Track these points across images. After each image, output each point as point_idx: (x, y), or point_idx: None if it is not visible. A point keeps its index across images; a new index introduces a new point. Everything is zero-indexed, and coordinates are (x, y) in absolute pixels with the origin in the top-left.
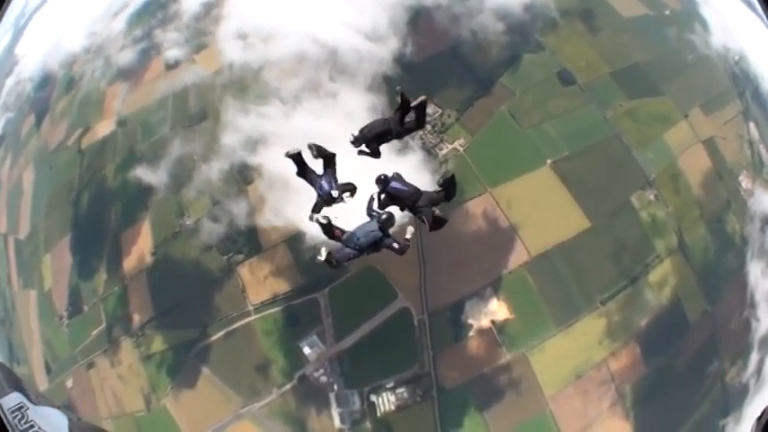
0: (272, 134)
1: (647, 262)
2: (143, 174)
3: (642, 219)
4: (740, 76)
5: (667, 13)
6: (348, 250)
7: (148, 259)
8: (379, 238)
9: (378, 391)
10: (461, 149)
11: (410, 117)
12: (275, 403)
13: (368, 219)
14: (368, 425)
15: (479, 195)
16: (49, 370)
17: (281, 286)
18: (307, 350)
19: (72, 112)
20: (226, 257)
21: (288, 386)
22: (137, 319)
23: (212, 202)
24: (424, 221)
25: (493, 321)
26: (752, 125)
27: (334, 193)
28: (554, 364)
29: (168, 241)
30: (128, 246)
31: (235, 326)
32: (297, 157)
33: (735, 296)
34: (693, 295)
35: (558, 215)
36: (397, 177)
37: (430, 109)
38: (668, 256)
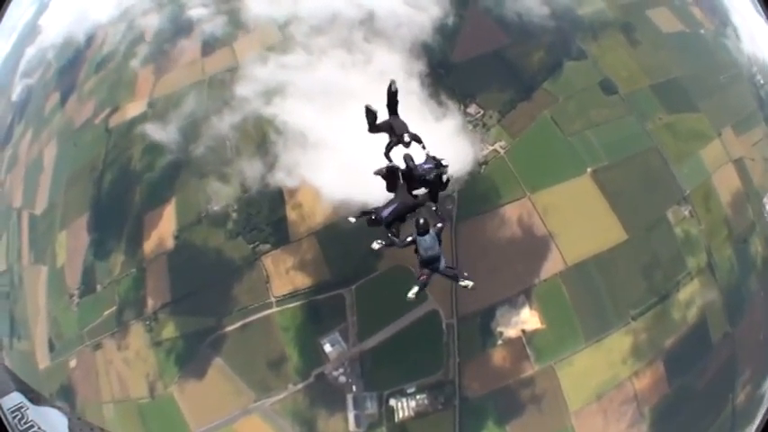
0: (292, 84)
1: (678, 279)
2: (152, 130)
3: (677, 234)
4: (765, 100)
5: (702, 32)
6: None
7: (170, 243)
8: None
9: (398, 395)
10: (502, 151)
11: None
12: (288, 400)
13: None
14: (383, 430)
15: (518, 200)
16: (52, 348)
17: (307, 280)
18: (327, 348)
19: (101, 90)
20: (251, 246)
21: (304, 384)
22: (151, 303)
23: (243, 190)
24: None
25: (523, 331)
26: None
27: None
28: (581, 379)
29: (193, 226)
30: (150, 228)
31: (254, 317)
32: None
33: (753, 319)
34: (718, 316)
35: (597, 225)
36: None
37: (472, 109)
38: (698, 275)
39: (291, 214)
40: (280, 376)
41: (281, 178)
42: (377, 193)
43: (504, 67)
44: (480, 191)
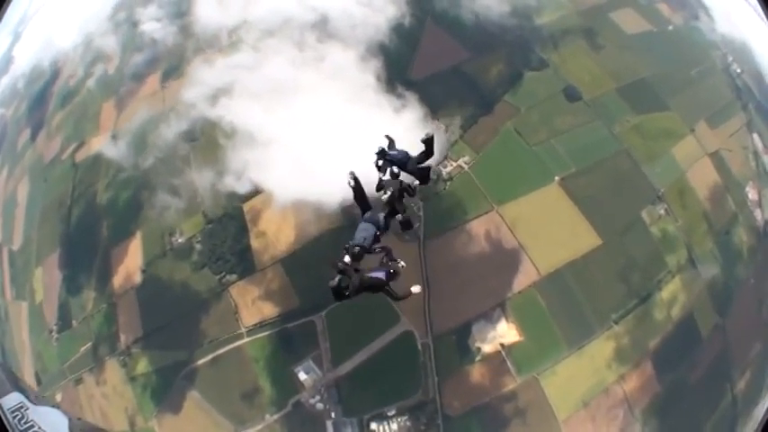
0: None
1: (659, 278)
2: (105, 149)
3: (653, 234)
4: (743, 89)
5: (671, 28)
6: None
7: (138, 277)
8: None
9: (378, 419)
10: (466, 167)
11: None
12: (268, 430)
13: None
14: None
15: (485, 213)
16: (39, 381)
17: (276, 308)
18: (302, 376)
19: (68, 125)
20: (218, 277)
21: (281, 413)
22: (123, 338)
23: (206, 221)
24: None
25: (502, 344)
26: (755, 136)
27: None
28: (567, 387)
29: (159, 259)
30: (117, 262)
31: (226, 348)
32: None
33: (744, 307)
34: (705, 309)
35: (568, 233)
36: (391, 144)
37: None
38: (679, 272)
39: (255, 243)
40: (256, 407)
41: (230, 183)
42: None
43: (463, 82)
44: (446, 207)
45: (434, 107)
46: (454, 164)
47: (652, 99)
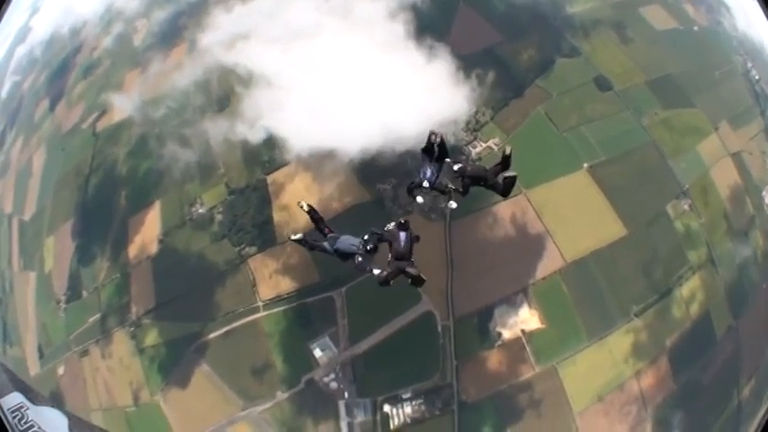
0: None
1: (680, 274)
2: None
3: (677, 229)
4: (761, 95)
5: (696, 28)
6: (326, 244)
7: (155, 247)
8: (352, 252)
9: (393, 401)
10: (496, 148)
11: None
12: (278, 408)
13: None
14: None
15: (513, 196)
16: (41, 354)
17: (295, 283)
18: (318, 353)
19: (90, 95)
20: (237, 249)
21: (293, 390)
22: (135, 308)
23: (228, 192)
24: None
25: (523, 331)
26: None
27: (426, 184)
28: (584, 379)
29: (178, 229)
30: (134, 232)
31: (241, 322)
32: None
33: (757, 312)
34: (721, 309)
35: (595, 221)
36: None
37: None
38: (699, 269)
39: (277, 215)
40: (268, 383)
41: (242, 132)
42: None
43: (495, 65)
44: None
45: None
46: (484, 145)
47: (679, 95)
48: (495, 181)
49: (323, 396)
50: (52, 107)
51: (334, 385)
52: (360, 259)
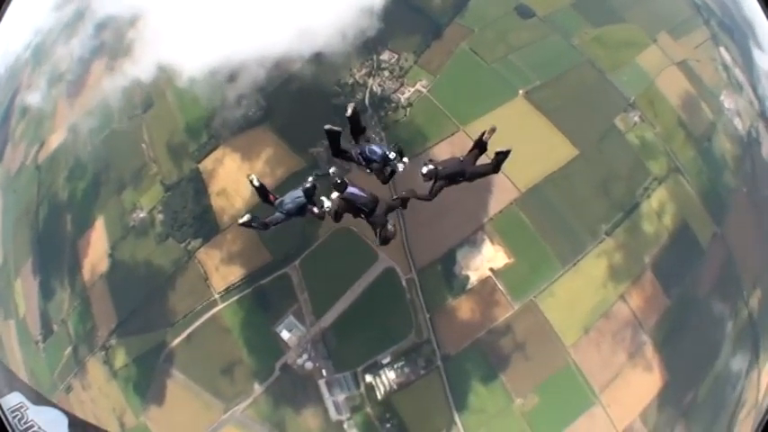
0: None
1: (645, 185)
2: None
3: (631, 142)
4: (702, 6)
5: None
6: (277, 214)
7: (105, 263)
8: (303, 204)
9: (373, 369)
10: (425, 90)
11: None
12: (259, 402)
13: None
14: (368, 410)
15: (452, 135)
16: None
17: (247, 266)
18: (285, 334)
19: (29, 132)
20: (183, 245)
21: (270, 380)
22: (100, 331)
23: (164, 189)
24: (376, 234)
25: (491, 269)
26: (722, 50)
27: (392, 155)
28: (568, 309)
29: (122, 240)
30: (84, 253)
31: (202, 320)
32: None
33: (742, 217)
34: (699, 217)
35: (542, 146)
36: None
37: (385, 56)
38: (666, 178)
39: (216, 201)
40: (243, 378)
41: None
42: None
43: (411, 10)
44: (410, 134)
45: (384, 37)
46: (411, 89)
47: (608, 12)
48: (476, 170)
49: (301, 379)
50: (1, 156)
51: (309, 365)
52: (315, 209)
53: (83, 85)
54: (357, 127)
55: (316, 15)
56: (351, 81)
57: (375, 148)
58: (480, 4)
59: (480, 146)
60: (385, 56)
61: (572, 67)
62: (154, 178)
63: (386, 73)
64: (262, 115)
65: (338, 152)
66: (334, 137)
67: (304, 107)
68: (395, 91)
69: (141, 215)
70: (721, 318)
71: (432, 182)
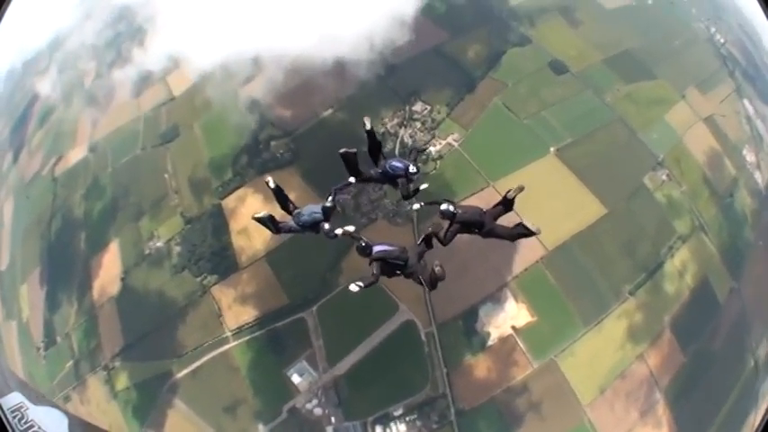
0: None
1: (670, 244)
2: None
3: (658, 200)
4: (728, 57)
5: (650, 2)
6: (291, 223)
7: (117, 286)
8: (318, 220)
9: (384, 420)
10: (456, 144)
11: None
12: None
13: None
14: None
15: (481, 190)
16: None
17: (263, 307)
18: (296, 378)
19: (48, 142)
20: (199, 279)
21: (276, 421)
22: (105, 351)
23: (185, 222)
24: (419, 282)
25: (513, 327)
26: (746, 102)
27: (413, 169)
28: (588, 368)
29: (137, 266)
30: (96, 273)
31: (211, 355)
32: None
33: (757, 270)
34: (719, 273)
35: (571, 203)
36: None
37: (418, 107)
38: (690, 237)
39: (236, 240)
40: (248, 416)
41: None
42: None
43: (445, 62)
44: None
45: (417, 88)
46: (443, 142)
47: (639, 69)
48: (495, 226)
49: (308, 424)
50: (15, 159)
51: (318, 411)
52: (327, 226)
53: (108, 105)
54: (374, 142)
55: (343, 21)
56: (382, 130)
57: (396, 163)
58: (514, 58)
59: (506, 204)
60: (417, 107)
61: (603, 125)
62: (174, 209)
63: (418, 124)
64: (290, 157)
65: (356, 173)
66: (349, 159)
67: (333, 153)
68: (426, 143)
69: (158, 244)
70: (731, 369)
71: (448, 224)
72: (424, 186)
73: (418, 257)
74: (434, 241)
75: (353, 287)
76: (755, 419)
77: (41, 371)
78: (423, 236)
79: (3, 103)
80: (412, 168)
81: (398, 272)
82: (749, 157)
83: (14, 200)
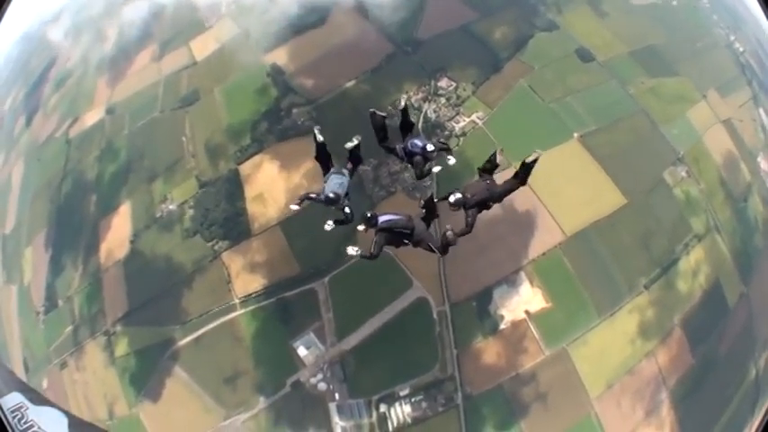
0: None
1: (686, 242)
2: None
3: (677, 196)
4: (746, 66)
5: (674, 3)
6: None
7: (125, 249)
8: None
9: (389, 399)
10: (480, 122)
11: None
12: (263, 415)
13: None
14: None
15: (502, 171)
16: (27, 368)
17: (273, 275)
18: (302, 351)
19: (64, 104)
20: (210, 244)
21: (278, 395)
22: (107, 316)
23: (199, 185)
24: (430, 249)
25: (527, 312)
26: (761, 111)
27: (430, 147)
28: (599, 360)
29: (148, 228)
30: (104, 236)
31: (217, 322)
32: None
33: (763, 278)
34: (731, 277)
35: (592, 191)
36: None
37: (443, 83)
38: (705, 237)
39: (252, 205)
40: (250, 388)
41: None
42: None
43: (473, 41)
44: (460, 164)
45: (443, 65)
46: (467, 119)
47: (663, 64)
48: (504, 185)
49: (311, 399)
50: (28, 122)
51: (322, 386)
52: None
53: (127, 68)
54: (406, 121)
55: None
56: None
57: (417, 141)
58: (541, 42)
59: (523, 173)
60: (443, 83)
61: (627, 116)
62: (190, 172)
63: (442, 100)
64: (310, 126)
65: (383, 140)
66: (378, 122)
67: (354, 124)
68: (450, 119)
69: (171, 207)
70: (734, 376)
71: (462, 211)
72: (437, 169)
73: (427, 224)
74: (440, 208)
75: (351, 250)
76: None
77: (39, 336)
78: (422, 203)
79: (18, 68)
80: (429, 147)
81: (406, 241)
82: (764, 165)
83: (25, 163)
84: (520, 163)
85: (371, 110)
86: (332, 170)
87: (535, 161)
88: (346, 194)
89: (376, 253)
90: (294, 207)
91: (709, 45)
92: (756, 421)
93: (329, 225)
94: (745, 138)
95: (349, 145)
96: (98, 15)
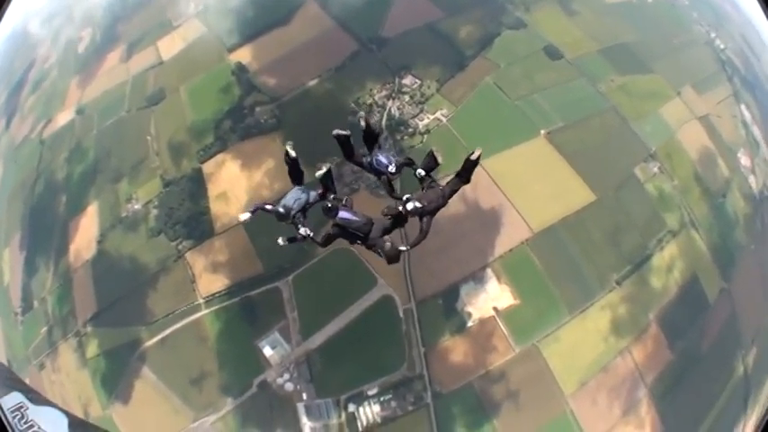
0: None
1: (659, 237)
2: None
3: (649, 191)
4: (727, 62)
5: (650, 1)
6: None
7: (93, 249)
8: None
9: (358, 399)
10: (444, 119)
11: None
12: (231, 417)
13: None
14: None
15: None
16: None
17: (237, 275)
18: (267, 351)
19: (39, 106)
20: (174, 243)
21: (245, 395)
22: (77, 317)
23: (163, 184)
24: (379, 254)
25: (495, 309)
26: (743, 107)
27: (392, 168)
28: (571, 357)
29: (114, 229)
30: (73, 236)
31: (183, 322)
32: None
33: (748, 274)
34: (709, 272)
35: (559, 187)
36: (347, 206)
37: (407, 80)
38: (680, 231)
39: (215, 204)
40: (217, 389)
41: None
42: None
43: (438, 39)
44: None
45: (408, 62)
46: (431, 117)
47: (635, 62)
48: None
49: (279, 399)
50: (8, 124)
51: (289, 386)
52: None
53: (98, 68)
54: (370, 132)
55: None
56: (369, 101)
57: (382, 158)
58: (508, 41)
59: (465, 172)
60: (407, 80)
61: (596, 113)
62: (154, 172)
63: (406, 97)
64: (273, 124)
65: (350, 156)
66: (343, 141)
67: (317, 122)
68: (414, 116)
69: (136, 206)
70: (719, 374)
71: (419, 218)
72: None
73: (383, 233)
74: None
75: (243, 216)
76: (744, 429)
77: (18, 337)
78: (390, 214)
79: (4, 69)
80: (391, 168)
81: (359, 241)
82: (744, 160)
83: (3, 165)
84: (462, 162)
85: (334, 132)
86: (296, 186)
87: (478, 159)
88: (303, 212)
89: (322, 243)
90: (244, 216)
91: (687, 42)
92: (752, 417)
93: (282, 241)
94: (724, 134)
95: (318, 174)
96: (75, 18)
